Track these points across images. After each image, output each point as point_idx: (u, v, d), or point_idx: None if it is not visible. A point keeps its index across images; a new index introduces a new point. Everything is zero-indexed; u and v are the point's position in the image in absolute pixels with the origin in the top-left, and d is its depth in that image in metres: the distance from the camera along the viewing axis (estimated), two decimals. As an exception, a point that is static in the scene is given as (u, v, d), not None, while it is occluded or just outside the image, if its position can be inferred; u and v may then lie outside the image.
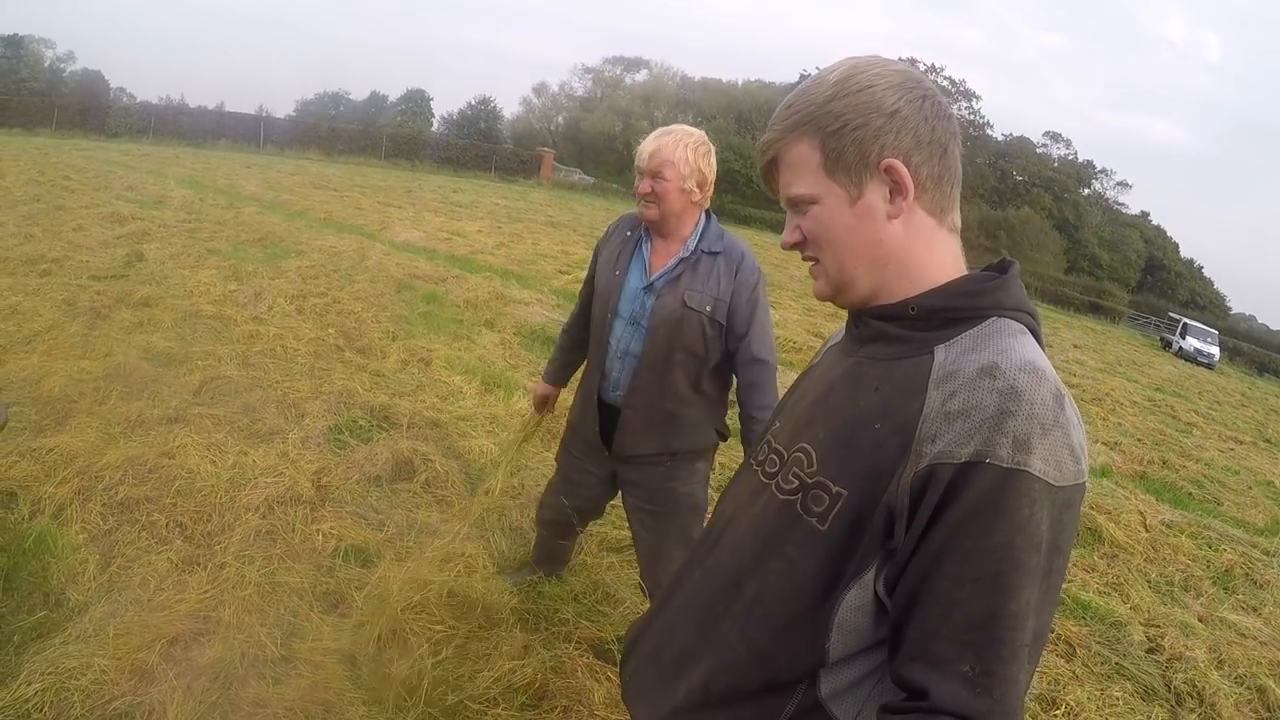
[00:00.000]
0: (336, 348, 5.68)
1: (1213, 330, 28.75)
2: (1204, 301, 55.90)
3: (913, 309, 0.93)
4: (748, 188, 40.82)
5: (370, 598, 2.70)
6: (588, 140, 54.36)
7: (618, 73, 61.21)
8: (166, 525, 3.00)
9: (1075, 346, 18.79)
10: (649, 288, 2.35)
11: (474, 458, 4.19)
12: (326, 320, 6.37)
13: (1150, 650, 3.70)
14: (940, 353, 0.89)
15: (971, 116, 53.75)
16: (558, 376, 2.83)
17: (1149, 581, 4.54)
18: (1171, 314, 36.08)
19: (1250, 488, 7.69)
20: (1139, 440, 8.59)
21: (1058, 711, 3.04)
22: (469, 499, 3.74)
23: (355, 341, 5.91)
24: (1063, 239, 50.74)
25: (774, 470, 1.02)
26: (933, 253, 0.95)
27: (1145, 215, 59.33)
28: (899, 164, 0.91)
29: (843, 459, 0.92)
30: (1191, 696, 3.36)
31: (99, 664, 2.18)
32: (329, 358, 5.42)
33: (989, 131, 54.73)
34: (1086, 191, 57.01)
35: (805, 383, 1.13)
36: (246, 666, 2.32)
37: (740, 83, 57.13)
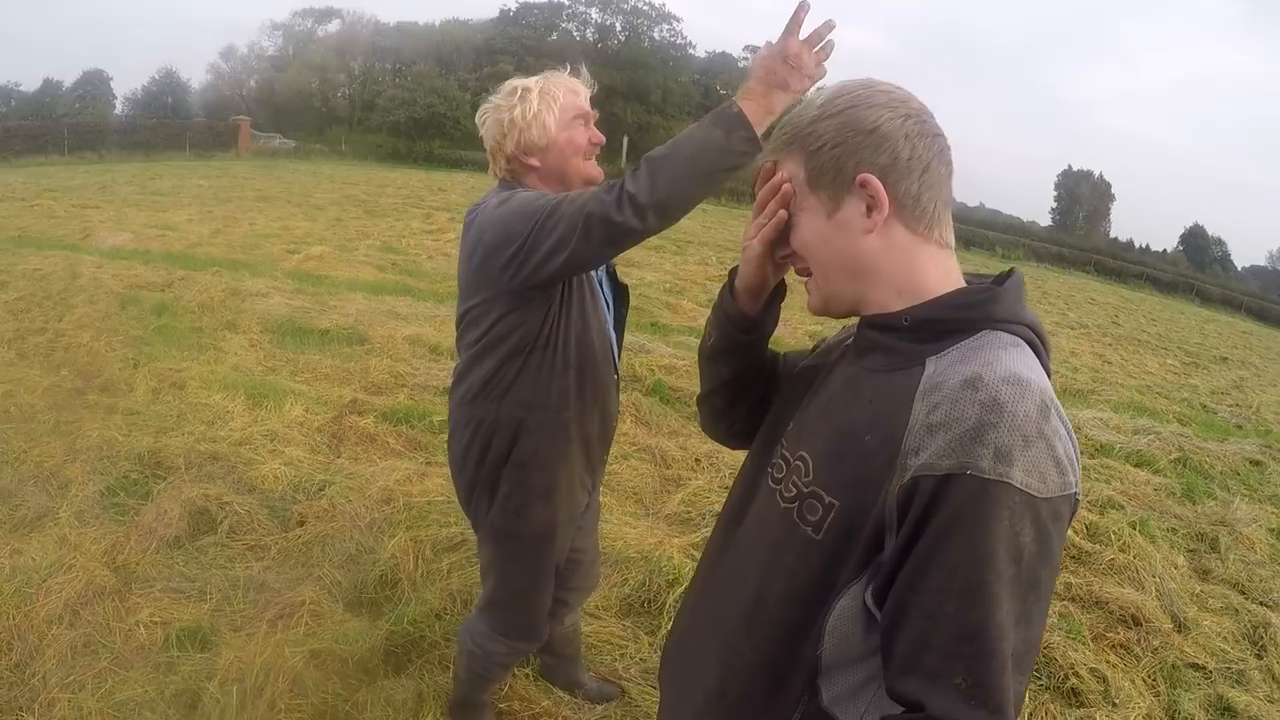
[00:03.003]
0: (76, 391, 4.85)
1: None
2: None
3: (906, 320, 0.94)
4: (455, 130, 39.55)
5: (231, 691, 2.46)
6: (284, 101, 50.01)
7: (309, 26, 56.63)
8: (-47, 673, 2.42)
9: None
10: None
11: (270, 486, 3.82)
12: (54, 360, 5.40)
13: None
14: (930, 365, 0.90)
15: (673, 39, 56.22)
16: None
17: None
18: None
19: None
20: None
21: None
22: (283, 536, 3.52)
23: (95, 379, 5.07)
24: (773, 145, 54.73)
25: (780, 476, 1.04)
26: (914, 267, 0.96)
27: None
28: (874, 179, 0.93)
29: (835, 470, 0.94)
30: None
31: None
32: (72, 406, 4.61)
33: (691, 51, 57.40)
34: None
35: (819, 384, 1.10)
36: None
37: (438, 23, 55.54)
